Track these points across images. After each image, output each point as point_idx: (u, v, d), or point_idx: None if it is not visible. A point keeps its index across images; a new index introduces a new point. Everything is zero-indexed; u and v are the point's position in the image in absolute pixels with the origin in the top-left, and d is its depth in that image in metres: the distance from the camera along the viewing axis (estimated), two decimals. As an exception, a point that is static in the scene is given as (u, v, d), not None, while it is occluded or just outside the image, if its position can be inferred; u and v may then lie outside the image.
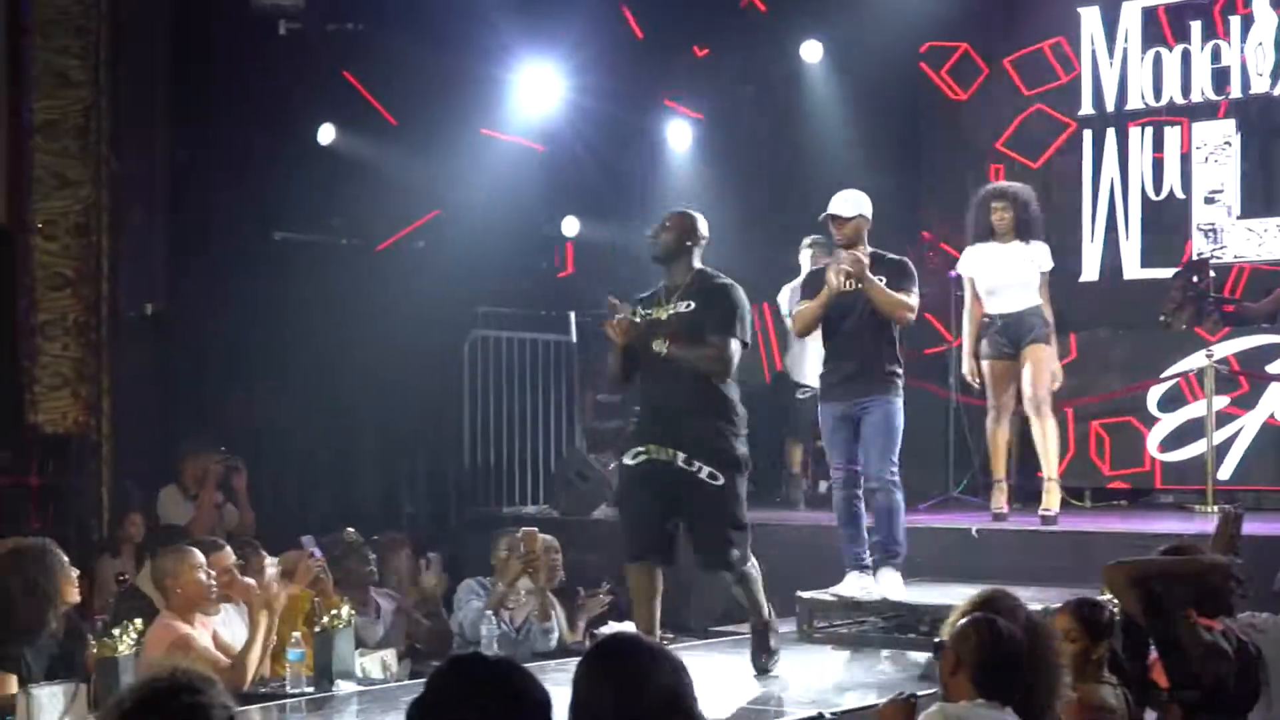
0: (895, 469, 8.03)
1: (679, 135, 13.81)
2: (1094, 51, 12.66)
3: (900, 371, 8.12)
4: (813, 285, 8.30)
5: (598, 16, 12.79)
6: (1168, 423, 10.95)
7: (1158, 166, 12.46)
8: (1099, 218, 12.67)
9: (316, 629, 6.90)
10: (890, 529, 8.08)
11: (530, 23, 12.83)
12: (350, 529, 8.76)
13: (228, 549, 7.18)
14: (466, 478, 12.32)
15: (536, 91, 13.16)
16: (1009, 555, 9.04)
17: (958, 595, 7.37)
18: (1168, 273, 11.94)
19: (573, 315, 12.86)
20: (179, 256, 11.65)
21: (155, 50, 11.95)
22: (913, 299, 8.03)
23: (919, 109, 13.57)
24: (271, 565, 7.17)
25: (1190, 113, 12.34)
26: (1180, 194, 12.38)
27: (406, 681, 7.44)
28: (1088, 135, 12.69)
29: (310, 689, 6.70)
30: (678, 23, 13.19)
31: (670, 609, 9.04)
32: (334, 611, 6.92)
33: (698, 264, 7.27)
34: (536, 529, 8.69)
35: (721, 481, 7.01)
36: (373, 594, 8.63)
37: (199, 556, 6.83)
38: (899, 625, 7.95)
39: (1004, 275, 9.61)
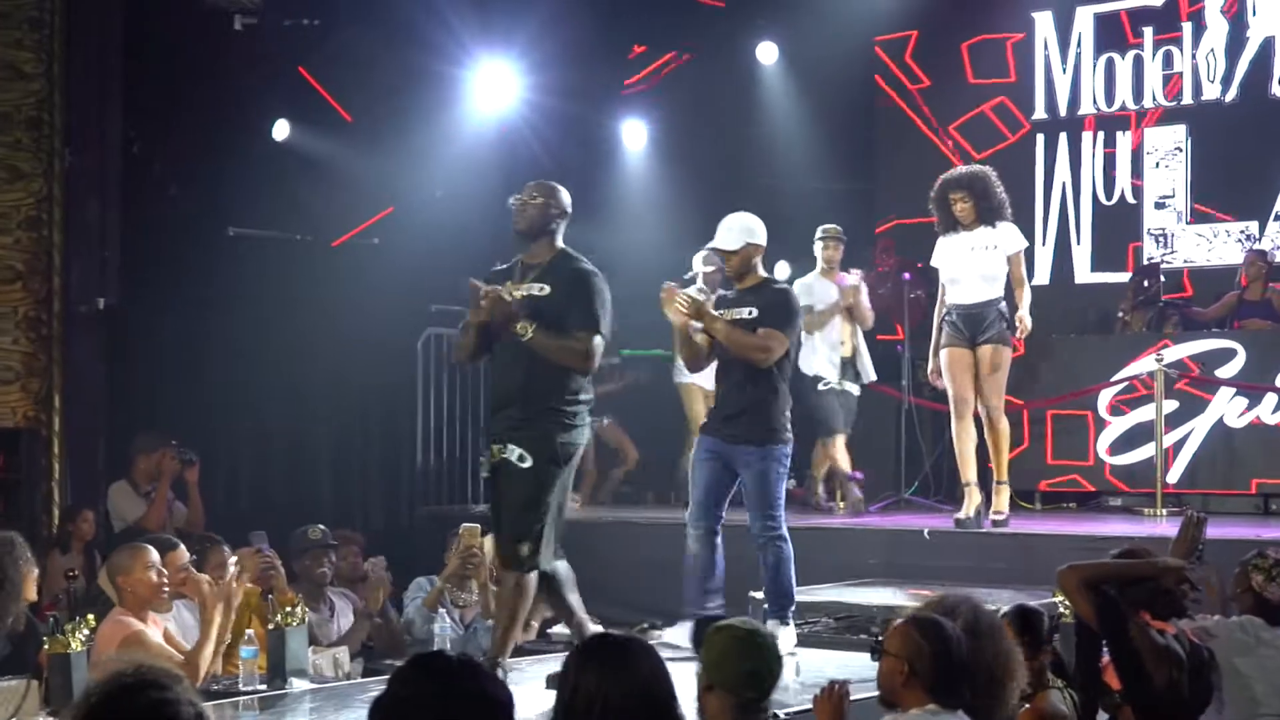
0: (779, 521, 7.57)
1: (634, 134, 13.82)
2: (1047, 55, 12.75)
3: (785, 416, 7.60)
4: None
5: (553, 13, 12.79)
6: (1117, 425, 11.04)
7: (1109, 171, 12.56)
8: (1050, 221, 12.76)
9: (270, 626, 6.89)
10: (780, 583, 7.58)
11: (486, 20, 12.82)
12: (317, 526, 8.72)
13: (182, 547, 7.16)
14: (420, 475, 12.31)
15: (492, 89, 13.14)
16: (960, 557, 9.10)
17: (908, 597, 7.48)
18: (1118, 277, 12.04)
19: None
20: (132, 251, 11.58)
21: (109, 44, 11.87)
22: (775, 339, 7.44)
23: (874, 107, 13.60)
24: (233, 561, 7.15)
25: (1141, 118, 12.44)
26: (1131, 198, 12.48)
27: (360, 680, 7.44)
28: (1040, 139, 12.79)
29: (264, 687, 6.69)
30: (634, 21, 13.20)
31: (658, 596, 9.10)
32: (288, 609, 6.91)
33: (560, 243, 6.83)
34: (477, 525, 8.59)
35: (529, 464, 6.57)
36: (328, 593, 8.61)
37: (152, 554, 6.81)
38: (850, 626, 7.99)
39: (964, 266, 9.47)
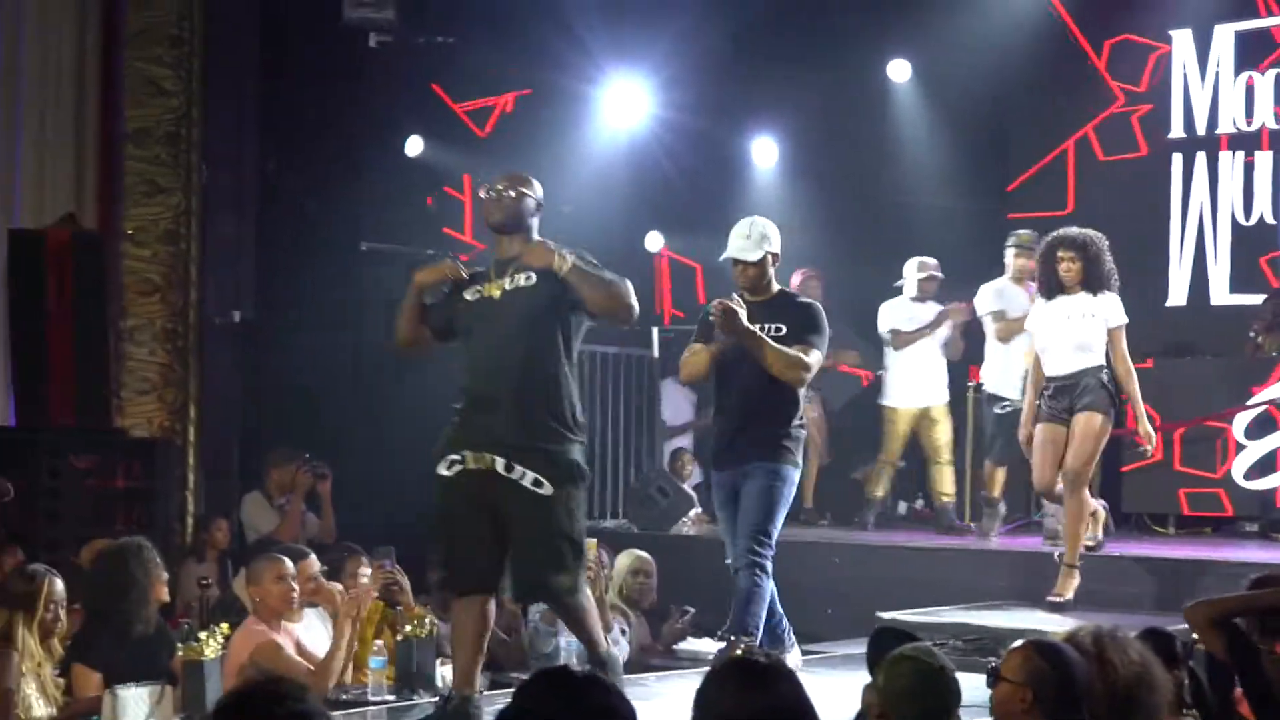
0: (766, 549, 6.99)
1: (764, 152, 13.80)
2: (1185, 74, 12.55)
3: (796, 436, 7.15)
4: (702, 330, 7.37)
5: (686, 30, 12.81)
6: (1254, 450, 10.83)
7: (1248, 191, 12.33)
8: (1187, 242, 12.54)
9: (399, 638, 6.95)
10: (744, 611, 6.97)
11: (618, 37, 12.87)
12: None
13: (313, 556, 7.25)
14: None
15: (623, 105, 13.18)
16: (1091, 581, 8.94)
17: (1038, 621, 7.38)
18: (1256, 299, 11.82)
19: (655, 330, 12.86)
20: (266, 265, 11.77)
21: (246, 61, 12.10)
22: (812, 355, 7.00)
23: (1009, 128, 13.47)
24: (365, 572, 7.23)
25: (1281, 137, 12.21)
26: (1271, 219, 12.24)
27: (487, 692, 7.47)
28: (1177, 158, 12.57)
29: (392, 697, 6.75)
30: (765, 40, 13.18)
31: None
32: (416, 621, 6.97)
33: (537, 235, 6.33)
34: (594, 540, 8.57)
35: (549, 491, 6.07)
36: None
37: (284, 565, 6.91)
38: (978, 649, 7.89)
39: (1057, 333, 8.70)
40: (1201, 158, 12.49)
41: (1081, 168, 12.77)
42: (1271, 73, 12.23)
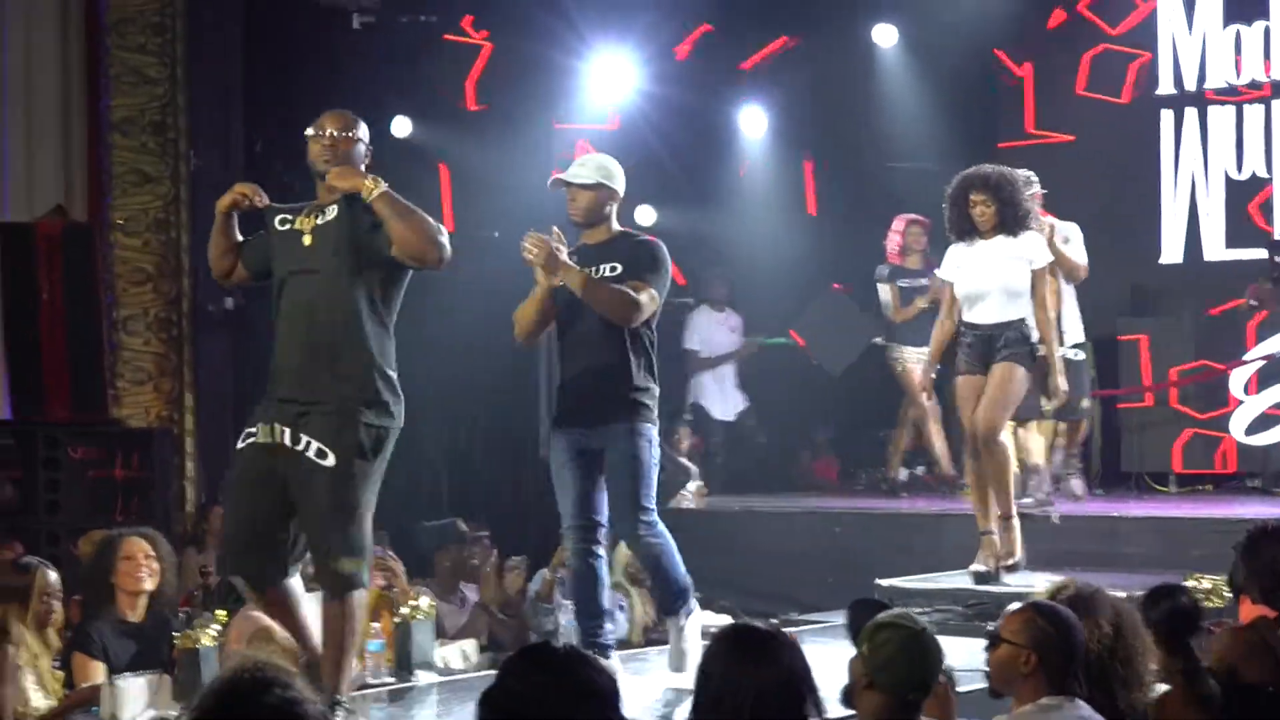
0: (652, 513, 6.54)
1: (753, 122, 13.75)
2: (1173, 30, 12.49)
3: (652, 389, 6.56)
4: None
5: (671, 2, 12.77)
6: (1253, 405, 10.82)
7: (1239, 145, 12.27)
8: (1180, 198, 12.49)
9: (396, 620, 6.95)
10: (667, 579, 6.64)
11: (603, 9, 12.82)
12: (456, 521, 8.87)
13: None
14: (543, 466, 12.31)
15: (609, 79, 13.13)
16: (1093, 542, 8.95)
17: (1040, 582, 7.36)
18: (1252, 253, 11.78)
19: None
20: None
21: (229, 46, 12.05)
22: (644, 293, 6.39)
23: (995, 92, 13.42)
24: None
25: (1274, 90, 12.14)
26: (1264, 173, 12.18)
27: (486, 672, 7.47)
28: (1167, 115, 12.52)
29: (390, 679, 6.75)
30: (750, 7, 13.13)
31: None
32: (413, 603, 6.97)
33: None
34: None
35: (331, 461, 5.53)
36: (461, 586, 8.74)
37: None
38: (979, 614, 7.88)
39: (984, 279, 8.15)
40: (1192, 114, 12.43)
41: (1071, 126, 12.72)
42: (1259, 25, 12.17)
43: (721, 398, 12.77)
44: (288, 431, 5.54)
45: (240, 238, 5.94)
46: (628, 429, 6.43)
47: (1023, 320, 8.10)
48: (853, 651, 4.27)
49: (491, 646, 8.41)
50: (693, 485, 11.44)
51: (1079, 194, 11.34)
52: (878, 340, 11.66)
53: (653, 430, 6.53)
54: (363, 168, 5.79)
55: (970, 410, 8.07)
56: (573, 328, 6.58)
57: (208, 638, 6.06)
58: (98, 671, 6.50)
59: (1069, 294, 10.14)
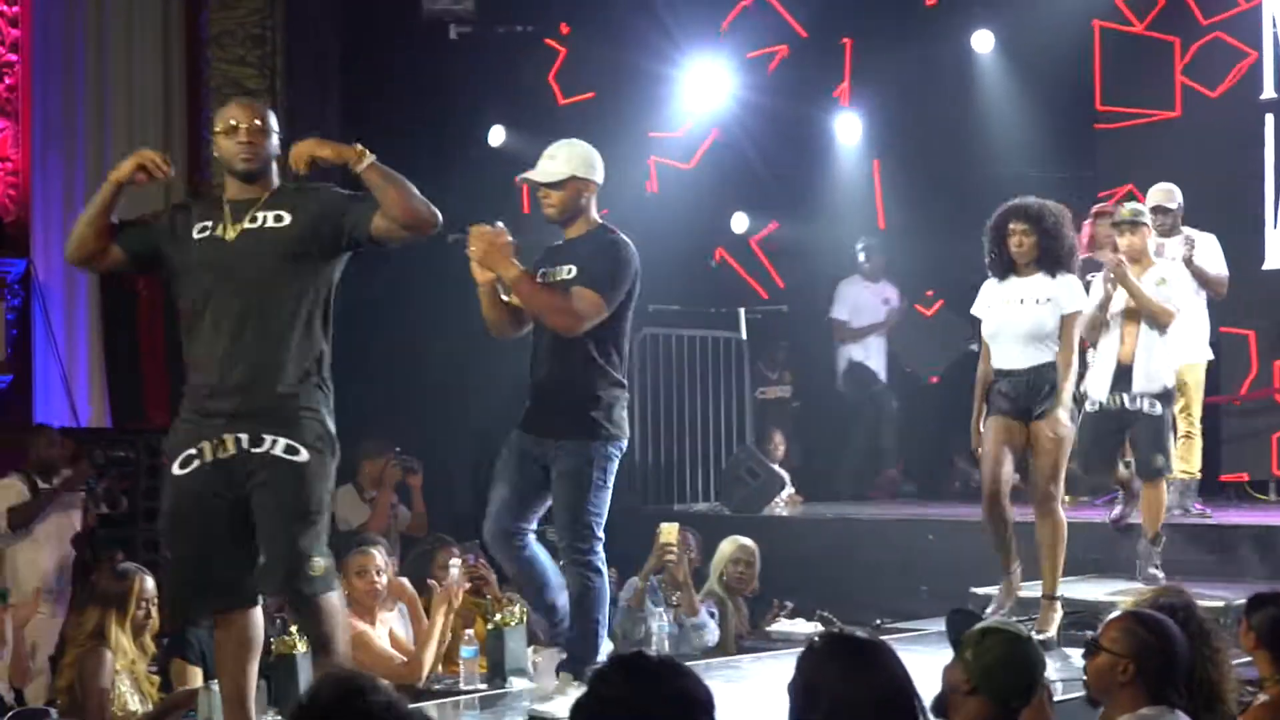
0: (592, 542, 6.00)
1: (848, 129, 13.70)
2: (1275, 32, 12.29)
3: (613, 401, 6.01)
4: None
5: (765, 10, 12.77)
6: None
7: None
8: (1283, 204, 12.25)
9: (489, 626, 6.99)
10: (586, 620, 5.99)
11: (699, 18, 12.84)
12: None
13: (373, 550, 7.24)
14: (638, 475, 12.35)
15: (704, 87, 13.14)
16: (1188, 551, 8.84)
17: (1136, 593, 7.28)
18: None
19: (742, 311, 12.83)
20: (353, 260, 11.81)
21: (327, 58, 12.17)
22: (582, 300, 5.88)
23: (1093, 95, 13.28)
24: (455, 563, 7.27)
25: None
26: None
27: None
28: (1269, 119, 12.31)
29: (484, 686, 6.78)
30: (845, 15, 13.10)
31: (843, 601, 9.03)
32: (508, 609, 7.00)
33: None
34: (675, 524, 8.54)
35: (305, 457, 5.14)
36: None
37: (367, 559, 7.03)
38: (1074, 623, 7.80)
39: (1005, 320, 7.52)
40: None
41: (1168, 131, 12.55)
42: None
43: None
44: (245, 437, 5.11)
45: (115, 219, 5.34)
46: (577, 447, 5.95)
47: (1053, 363, 7.40)
48: (945, 660, 4.24)
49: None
50: (786, 492, 11.43)
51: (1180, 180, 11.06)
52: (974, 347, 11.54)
53: (607, 448, 6.00)
54: (274, 162, 5.36)
55: (994, 451, 7.39)
56: (542, 328, 6.08)
57: (303, 644, 6.11)
58: (196, 676, 6.59)
59: (1200, 307, 9.60)
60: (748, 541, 9.13)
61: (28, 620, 7.98)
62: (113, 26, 11.69)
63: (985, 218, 10.43)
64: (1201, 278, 9.50)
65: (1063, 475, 7.45)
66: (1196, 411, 9.64)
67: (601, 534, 6.06)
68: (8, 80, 11.06)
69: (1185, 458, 9.48)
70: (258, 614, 5.29)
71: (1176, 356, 8.74)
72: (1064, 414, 7.29)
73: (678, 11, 12.75)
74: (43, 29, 11.43)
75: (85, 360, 11.51)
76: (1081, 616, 7.84)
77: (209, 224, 5.25)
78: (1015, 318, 7.45)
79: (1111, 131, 12.58)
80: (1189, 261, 9.38)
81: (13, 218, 11.39)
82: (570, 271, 5.97)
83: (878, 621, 8.76)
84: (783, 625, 8.94)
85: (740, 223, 13.96)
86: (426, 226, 5.35)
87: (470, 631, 7.04)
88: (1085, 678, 4.47)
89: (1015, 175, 12.84)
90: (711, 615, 8.47)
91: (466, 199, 12.46)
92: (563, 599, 6.11)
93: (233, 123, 5.28)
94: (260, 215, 5.27)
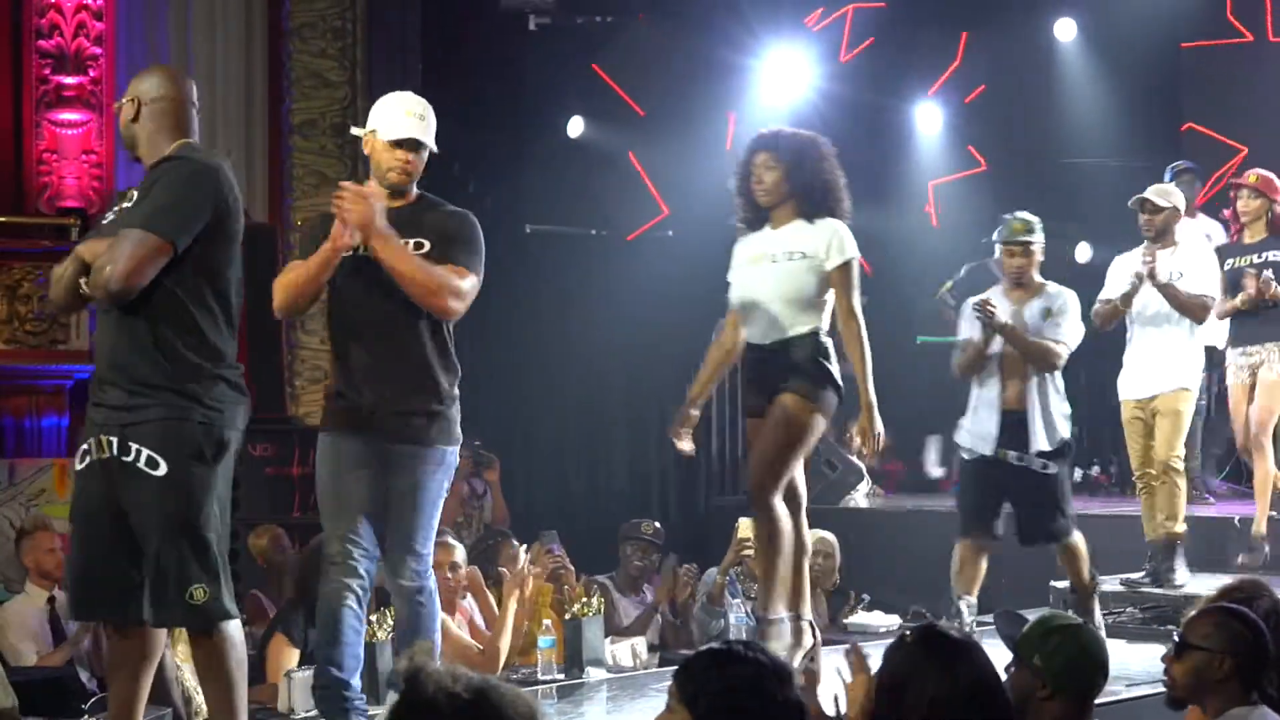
0: (427, 563, 5.40)
1: (928, 119, 13.61)
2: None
3: (455, 399, 5.39)
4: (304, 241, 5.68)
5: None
6: None
7: None
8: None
9: (566, 617, 7.00)
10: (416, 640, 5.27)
11: (778, 6, 12.80)
12: (652, 523, 8.97)
13: (451, 542, 7.25)
14: (715, 466, 12.34)
15: (783, 77, 13.09)
16: (1275, 545, 8.71)
17: (1215, 587, 7.20)
18: None
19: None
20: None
21: (408, 49, 12.20)
22: (468, 281, 5.29)
23: (1180, 84, 13.14)
24: (524, 552, 7.29)
25: None
26: None
27: (656, 669, 7.49)
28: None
29: (561, 676, 6.79)
30: (925, 4, 13.03)
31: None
32: (584, 599, 7.01)
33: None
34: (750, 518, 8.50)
35: (162, 470, 4.58)
36: (645, 587, 8.84)
37: (443, 552, 7.01)
38: (1157, 617, 7.73)
39: (754, 283, 6.13)
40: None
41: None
42: None
43: None
44: (115, 441, 4.64)
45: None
46: (421, 453, 5.32)
47: (814, 334, 5.95)
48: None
49: (660, 646, 8.44)
50: (864, 485, 11.37)
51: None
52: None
53: (450, 454, 5.41)
54: (144, 128, 4.86)
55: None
56: (358, 309, 5.36)
57: (384, 632, 6.13)
58: (292, 657, 6.63)
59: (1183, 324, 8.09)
60: (827, 534, 9.09)
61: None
62: (196, 18, 11.78)
63: (1065, 207, 10.32)
64: (1175, 300, 7.93)
65: (791, 469, 5.97)
66: (1179, 450, 8.08)
67: (430, 550, 5.50)
68: (92, 73, 11.16)
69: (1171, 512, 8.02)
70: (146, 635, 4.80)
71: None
72: (825, 395, 5.88)
73: (757, 2, 12.72)
74: (126, 22, 11.52)
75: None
76: (1163, 611, 7.76)
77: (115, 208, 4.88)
78: (765, 279, 5.99)
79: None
80: (1151, 276, 7.86)
81: (97, 210, 11.49)
82: (421, 245, 5.33)
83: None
84: (860, 618, 8.90)
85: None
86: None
87: (548, 622, 7.06)
88: (1171, 679, 4.31)
89: (1096, 164, 12.78)
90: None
91: (545, 189, 12.54)
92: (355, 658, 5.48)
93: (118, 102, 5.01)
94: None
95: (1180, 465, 7.98)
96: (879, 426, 5.97)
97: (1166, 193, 8.20)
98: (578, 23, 12.86)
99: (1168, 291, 7.84)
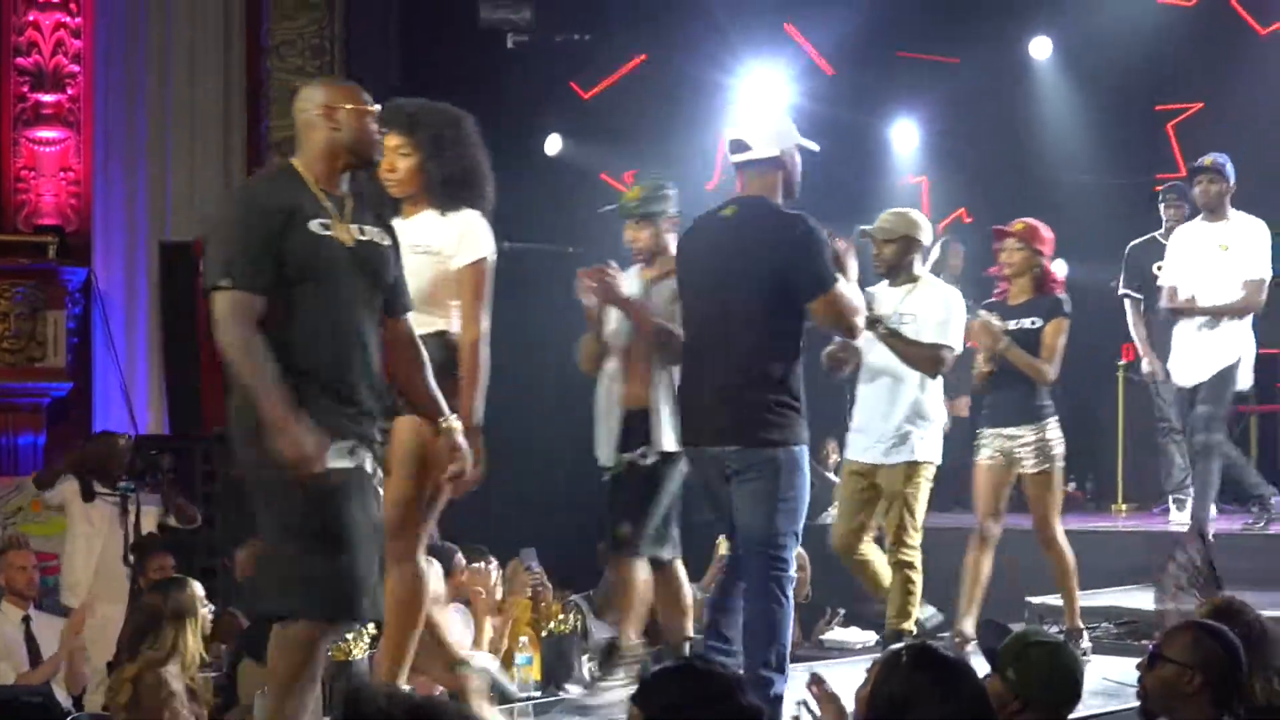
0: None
1: (904, 137, 13.66)
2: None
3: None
4: None
5: (822, 17, 12.76)
6: None
7: None
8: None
9: (544, 634, 7.01)
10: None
11: (756, 25, 12.84)
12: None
13: (458, 556, 7.28)
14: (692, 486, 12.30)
15: (760, 96, 13.12)
16: (1247, 560, 8.75)
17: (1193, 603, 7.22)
18: None
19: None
20: (413, 267, 11.89)
21: (387, 67, 12.23)
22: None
23: (1157, 100, 13.19)
24: (494, 570, 7.29)
25: None
26: None
27: (635, 687, 7.48)
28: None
29: (538, 693, 6.79)
30: (901, 20, 13.07)
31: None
32: (560, 617, 7.02)
33: None
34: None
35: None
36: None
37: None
38: (1131, 632, 7.76)
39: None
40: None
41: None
42: None
43: None
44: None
45: None
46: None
47: (442, 335, 5.52)
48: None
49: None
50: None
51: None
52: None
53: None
54: None
55: None
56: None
57: (360, 649, 6.14)
58: (263, 677, 6.59)
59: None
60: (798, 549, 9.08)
61: (82, 626, 7.97)
62: (174, 36, 11.80)
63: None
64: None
65: (434, 510, 5.60)
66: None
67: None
68: (70, 91, 11.19)
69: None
70: None
71: None
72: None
73: (737, 20, 12.75)
74: (104, 40, 11.54)
75: (145, 368, 11.63)
76: (1138, 627, 7.80)
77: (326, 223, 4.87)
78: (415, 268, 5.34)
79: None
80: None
81: (74, 227, 11.51)
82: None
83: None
84: (836, 634, 8.92)
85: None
86: None
87: (525, 639, 7.06)
88: (1144, 689, 4.36)
89: (1072, 182, 12.82)
90: None
91: (523, 207, 12.52)
92: None
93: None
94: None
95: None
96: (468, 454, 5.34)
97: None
98: (556, 41, 12.88)
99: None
